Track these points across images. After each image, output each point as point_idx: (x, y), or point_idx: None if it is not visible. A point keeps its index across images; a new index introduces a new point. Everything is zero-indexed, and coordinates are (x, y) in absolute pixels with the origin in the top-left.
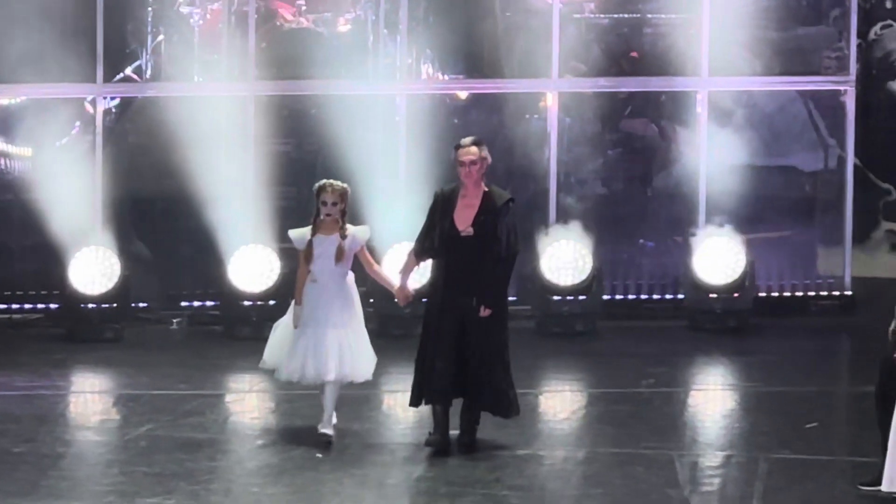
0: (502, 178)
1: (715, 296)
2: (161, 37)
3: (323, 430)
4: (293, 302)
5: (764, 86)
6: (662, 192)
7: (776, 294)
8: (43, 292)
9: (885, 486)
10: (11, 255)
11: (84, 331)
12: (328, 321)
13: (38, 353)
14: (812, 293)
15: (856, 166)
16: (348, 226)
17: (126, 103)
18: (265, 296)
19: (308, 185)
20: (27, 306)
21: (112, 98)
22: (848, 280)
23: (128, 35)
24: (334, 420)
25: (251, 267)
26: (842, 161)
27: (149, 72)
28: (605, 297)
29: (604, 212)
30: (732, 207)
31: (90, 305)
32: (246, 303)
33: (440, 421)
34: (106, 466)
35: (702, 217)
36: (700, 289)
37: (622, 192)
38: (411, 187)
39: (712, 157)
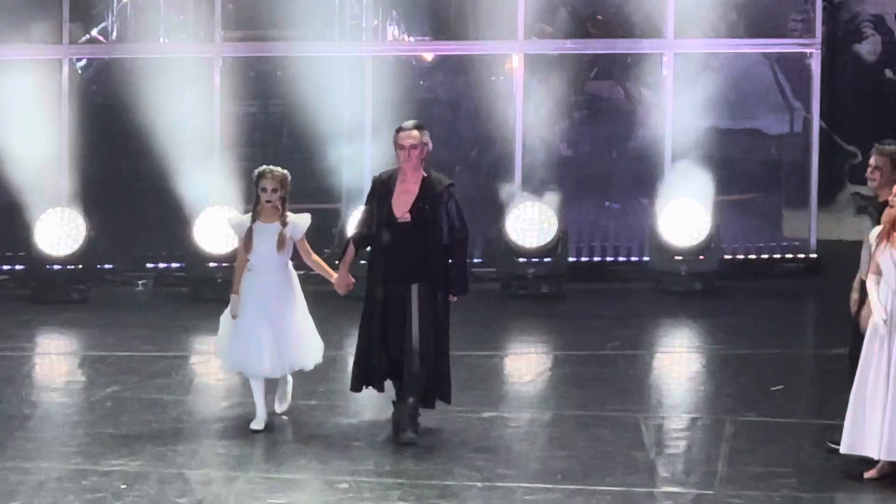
0: (468, 140)
1: (680, 258)
2: None
3: (282, 411)
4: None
5: (730, 48)
6: (628, 154)
7: (742, 256)
8: (8, 254)
9: (843, 448)
10: None
11: (49, 292)
12: (267, 312)
13: (3, 314)
14: (777, 256)
15: (821, 129)
16: (289, 213)
17: (93, 64)
18: (231, 257)
19: (274, 146)
20: None
21: (78, 60)
22: (814, 243)
23: None
24: (288, 400)
25: (217, 228)
26: (807, 124)
27: (115, 33)
28: (571, 259)
29: (569, 174)
30: (698, 169)
31: (56, 267)
32: (211, 264)
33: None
34: (72, 427)
35: (667, 179)
36: (666, 251)
37: (588, 154)
38: (377, 149)
39: (678, 119)
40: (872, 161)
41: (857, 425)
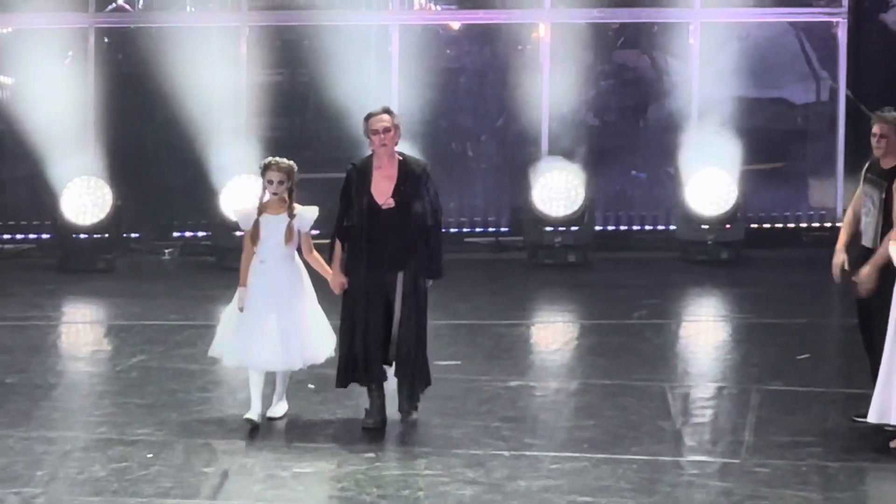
0: (495, 109)
1: (707, 227)
2: None
3: (276, 415)
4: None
5: (756, 17)
6: (654, 124)
7: (768, 226)
8: (35, 223)
9: (871, 418)
10: (3, 185)
11: (76, 261)
12: (276, 305)
13: (30, 283)
14: (804, 225)
15: (847, 98)
16: (296, 205)
17: (120, 33)
18: None
19: (300, 115)
20: (19, 237)
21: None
22: (840, 212)
23: None
24: (285, 407)
25: (243, 197)
26: (834, 93)
27: (141, 2)
28: (597, 228)
29: (596, 143)
30: (725, 139)
31: (82, 236)
32: (238, 233)
33: (377, 402)
34: (98, 397)
35: (693, 149)
36: (692, 220)
37: (614, 123)
38: (403, 118)
39: (704, 88)
40: (876, 129)
41: (886, 394)
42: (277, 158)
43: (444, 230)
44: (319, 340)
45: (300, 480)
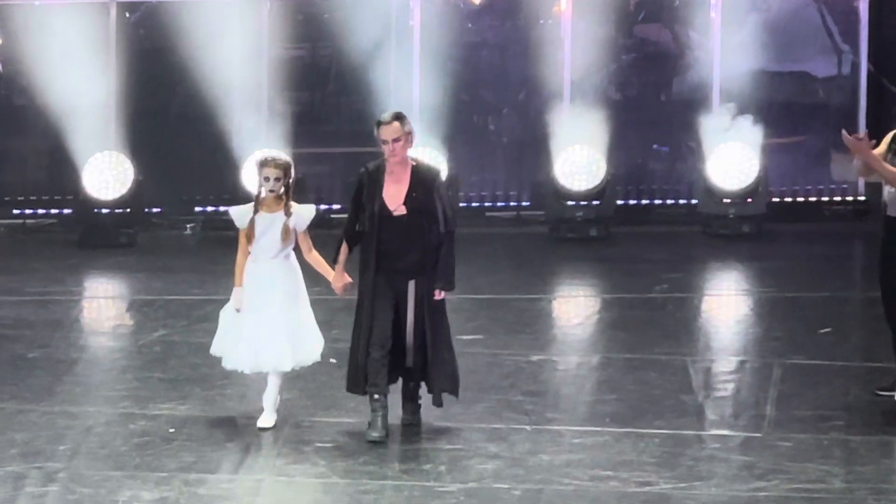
0: (516, 83)
1: (728, 201)
2: None
3: (262, 425)
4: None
5: None
6: (676, 97)
7: (790, 199)
8: (56, 198)
9: None
10: (25, 160)
11: (98, 236)
12: (274, 305)
13: (52, 258)
14: (826, 199)
15: (869, 72)
16: (293, 203)
17: (142, 8)
18: None
19: (322, 89)
20: (40, 212)
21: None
22: (862, 185)
23: None
24: (274, 418)
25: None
26: (855, 67)
27: None
28: (619, 202)
29: (617, 117)
30: (747, 113)
31: (104, 211)
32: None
33: (379, 413)
34: (120, 372)
35: (715, 123)
36: (713, 194)
37: (635, 97)
38: (425, 93)
39: (725, 62)
40: None
41: None
42: (274, 154)
43: (465, 205)
44: (310, 343)
45: (322, 455)
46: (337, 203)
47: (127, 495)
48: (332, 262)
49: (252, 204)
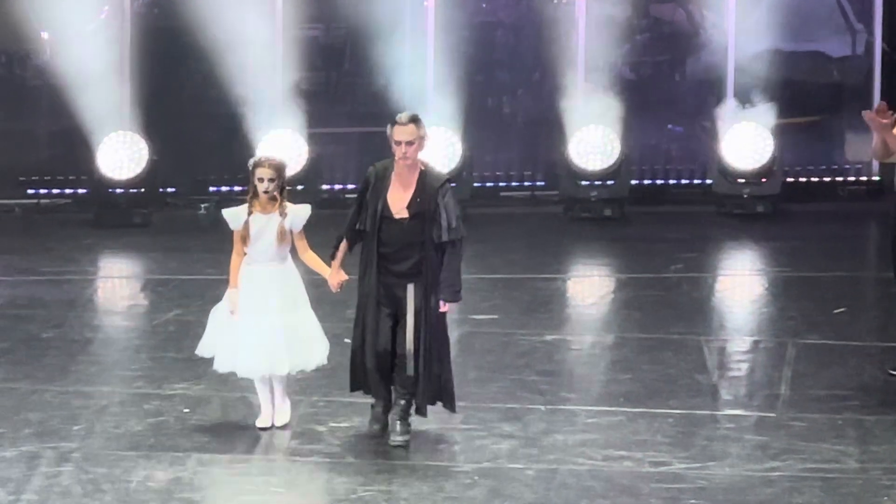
0: (530, 64)
1: (743, 181)
2: None
3: (281, 423)
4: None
5: None
6: (690, 77)
7: (804, 179)
8: (71, 177)
9: None
10: (39, 140)
11: (112, 216)
12: (272, 307)
13: (66, 238)
14: (840, 179)
15: (883, 51)
16: (287, 203)
17: None
18: (293, 180)
19: (336, 70)
20: (55, 191)
21: None
22: (876, 166)
23: None
24: (288, 412)
25: (279, 151)
26: (870, 46)
27: None
28: (633, 182)
29: (632, 97)
30: (761, 93)
31: (118, 190)
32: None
33: (377, 415)
34: (135, 352)
35: (730, 102)
36: (728, 174)
37: (650, 77)
38: (440, 72)
39: (740, 42)
40: None
41: None
42: (268, 155)
43: (479, 185)
44: (311, 346)
45: (336, 435)
46: (351, 183)
47: (141, 475)
48: (330, 257)
49: (246, 205)
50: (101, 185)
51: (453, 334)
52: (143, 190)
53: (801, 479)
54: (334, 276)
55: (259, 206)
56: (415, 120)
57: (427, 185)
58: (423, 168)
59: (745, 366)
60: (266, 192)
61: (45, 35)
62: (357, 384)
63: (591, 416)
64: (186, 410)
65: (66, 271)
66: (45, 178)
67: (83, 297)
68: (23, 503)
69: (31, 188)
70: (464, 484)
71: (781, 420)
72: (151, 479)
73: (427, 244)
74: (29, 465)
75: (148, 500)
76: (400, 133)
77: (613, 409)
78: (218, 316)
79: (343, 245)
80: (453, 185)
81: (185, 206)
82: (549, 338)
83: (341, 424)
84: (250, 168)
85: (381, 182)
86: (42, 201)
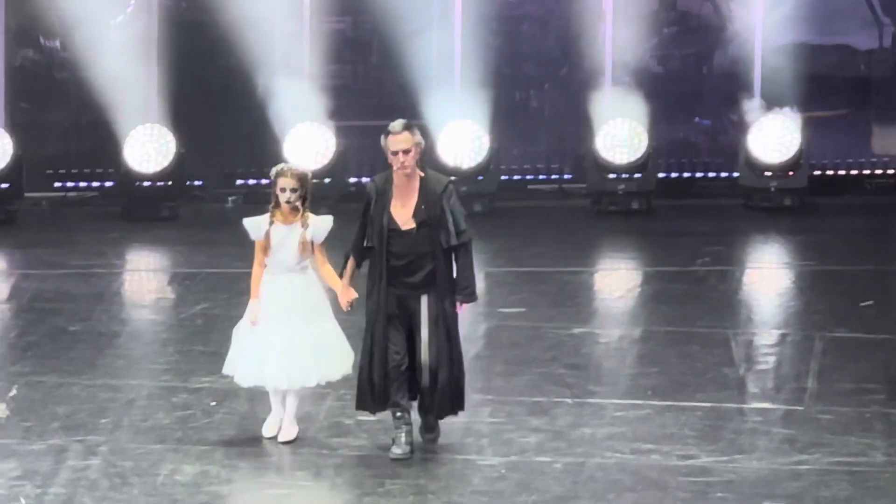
0: (558, 57)
1: (770, 174)
2: None
3: (285, 439)
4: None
5: None
6: (718, 71)
7: (831, 172)
8: (98, 170)
9: None
10: (67, 133)
11: (140, 209)
12: (295, 318)
13: (94, 231)
14: (867, 172)
15: None
16: (310, 214)
17: None
18: (320, 173)
19: (364, 63)
20: (82, 185)
21: None
22: None
23: None
24: (295, 430)
25: (306, 144)
26: None
27: None
28: (661, 175)
29: (659, 90)
30: (787, 86)
31: (146, 184)
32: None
33: (403, 430)
34: (162, 345)
35: (757, 96)
36: (755, 167)
37: (677, 70)
38: (467, 66)
39: (767, 35)
40: None
41: None
42: (291, 165)
43: (507, 178)
44: (336, 356)
45: (363, 428)
46: (379, 172)
47: (168, 468)
48: (339, 276)
49: (267, 215)
50: (128, 178)
51: (481, 327)
52: (170, 183)
53: (829, 473)
54: (344, 294)
55: (281, 217)
56: (408, 127)
57: (430, 191)
58: (422, 175)
59: (772, 359)
60: (288, 202)
61: (72, 28)
62: (363, 403)
63: (618, 410)
64: (214, 403)
65: (94, 264)
66: (73, 171)
67: (110, 291)
68: (50, 496)
69: (58, 181)
70: (491, 477)
71: (809, 413)
72: (179, 473)
73: (438, 251)
74: (56, 459)
75: (175, 494)
76: (395, 143)
77: (641, 402)
78: (239, 333)
79: (351, 263)
80: (454, 179)
81: (213, 199)
82: (576, 331)
83: (369, 418)
84: (272, 177)
85: (383, 196)
86: (69, 194)
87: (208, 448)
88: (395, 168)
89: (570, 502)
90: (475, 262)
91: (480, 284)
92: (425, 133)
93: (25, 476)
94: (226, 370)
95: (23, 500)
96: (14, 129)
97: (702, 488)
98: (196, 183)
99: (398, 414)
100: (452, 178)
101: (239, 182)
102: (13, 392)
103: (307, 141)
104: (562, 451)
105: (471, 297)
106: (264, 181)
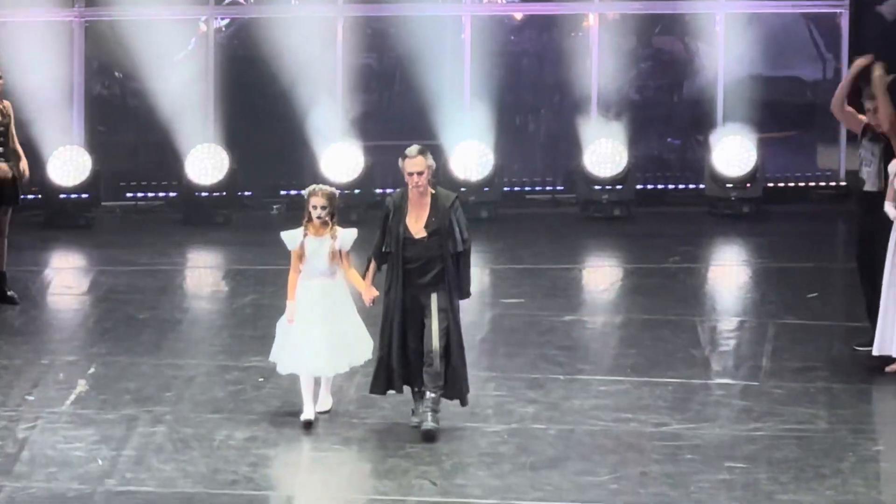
0: (552, 86)
1: (731, 186)
2: None
3: (322, 409)
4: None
5: (772, 8)
6: (686, 98)
7: (782, 184)
8: (163, 183)
9: (875, 350)
10: (137, 151)
11: (198, 216)
12: (321, 317)
13: (159, 234)
14: (812, 184)
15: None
16: (338, 227)
17: (235, 23)
18: (352, 185)
19: (388, 91)
20: (150, 195)
21: (222, 18)
22: (842, 173)
23: None
24: (330, 401)
25: (339, 161)
26: (837, 72)
27: None
28: (638, 186)
29: (637, 115)
30: (745, 111)
31: (203, 194)
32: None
33: (422, 403)
34: (217, 330)
35: (719, 119)
36: (718, 180)
37: (652, 98)
38: (475, 94)
39: (728, 68)
40: (868, 105)
41: (883, 328)
42: (322, 186)
43: (508, 189)
44: (360, 346)
45: (388, 402)
46: (400, 187)
47: (223, 434)
48: (362, 277)
49: (301, 228)
50: (188, 190)
51: (486, 315)
52: (224, 193)
53: (780, 438)
54: (367, 292)
55: (313, 230)
56: (422, 152)
57: (439, 205)
58: (433, 192)
59: (732, 342)
60: (319, 217)
61: (142, 63)
62: (377, 387)
63: (602, 385)
64: (261, 380)
65: (159, 262)
66: (142, 183)
67: (173, 285)
68: (123, 458)
69: (129, 192)
70: (495, 442)
71: (763, 388)
72: (231, 438)
73: (446, 256)
74: (128, 426)
75: (228, 456)
76: (411, 165)
77: (621, 378)
78: (282, 327)
79: (372, 266)
80: (463, 191)
81: (260, 207)
82: (566, 318)
83: (394, 394)
84: (306, 196)
85: (399, 209)
86: (139, 203)
87: (256, 417)
88: (410, 186)
89: (561, 463)
90: (480, 262)
91: (486, 280)
92: (438, 153)
93: (102, 441)
94: (271, 358)
95: (100, 461)
96: (93, 148)
97: (672, 451)
98: (246, 193)
99: (416, 390)
100: (462, 188)
101: (282, 192)
102: (92, 370)
103: (340, 158)
104: (555, 419)
105: (466, 294)
106: (303, 192)
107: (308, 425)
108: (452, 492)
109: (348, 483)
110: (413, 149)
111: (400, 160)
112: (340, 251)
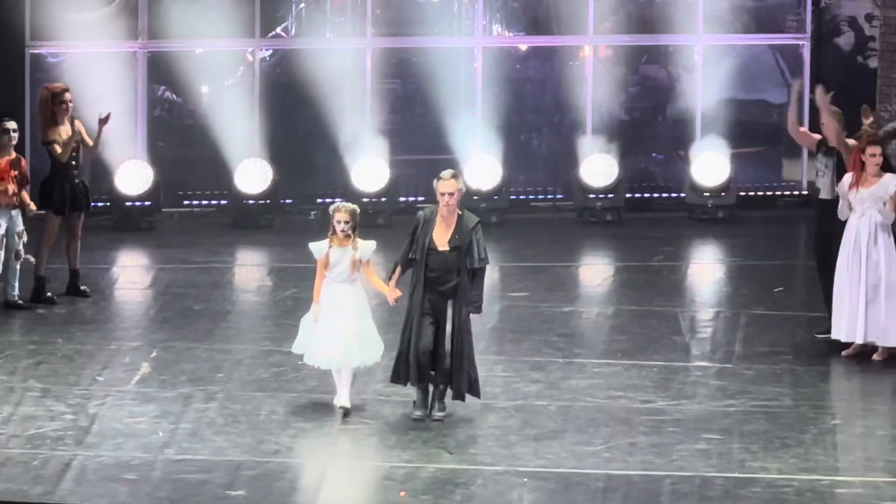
0: (552, 108)
1: (708, 194)
2: (302, 4)
3: (342, 404)
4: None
5: (743, 41)
6: (669, 119)
7: (753, 193)
8: (215, 192)
9: (833, 335)
10: (193, 164)
11: (245, 220)
12: (346, 317)
13: (212, 236)
14: (778, 193)
15: (810, 100)
16: (359, 240)
17: (277, 53)
18: (379, 194)
19: (410, 114)
20: (204, 202)
21: (266, 49)
22: (804, 183)
23: (278, 3)
24: (348, 396)
25: (368, 173)
26: (800, 96)
27: (293, 30)
28: (628, 195)
29: (626, 133)
30: (721, 130)
31: (250, 202)
32: (364, 200)
33: (422, 398)
34: (262, 319)
35: (698, 137)
36: (697, 189)
37: (640, 118)
38: (486, 115)
39: (706, 93)
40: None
41: (838, 316)
42: (345, 203)
43: (514, 198)
44: (372, 347)
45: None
46: (422, 196)
47: (267, 410)
48: (388, 278)
49: (326, 240)
50: (237, 198)
51: (496, 307)
52: (268, 201)
53: (750, 413)
54: (392, 293)
55: (336, 241)
56: (455, 176)
57: (464, 225)
58: (460, 213)
59: (709, 330)
60: (343, 230)
61: (197, 87)
62: (397, 378)
63: (596, 367)
64: (300, 363)
65: (211, 261)
66: (197, 192)
67: (224, 280)
68: (180, 430)
69: (186, 200)
70: (503, 416)
71: (736, 370)
72: (275, 413)
73: (462, 270)
74: (184, 403)
75: (271, 428)
76: (444, 186)
77: (613, 361)
78: (307, 323)
79: (398, 270)
80: (475, 198)
81: (299, 213)
82: (565, 309)
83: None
84: (330, 212)
85: (429, 223)
86: (194, 209)
87: (296, 395)
88: (441, 205)
89: (561, 434)
90: (491, 260)
91: (496, 276)
92: (453, 166)
93: (162, 415)
94: (294, 349)
95: (160, 433)
96: (154, 161)
97: (657, 424)
98: (287, 201)
99: (420, 386)
100: (475, 197)
101: (318, 200)
102: (153, 354)
103: (368, 170)
104: (555, 396)
105: (478, 309)
106: (337, 200)
107: (346, 413)
108: (466, 459)
109: (375, 452)
110: (448, 172)
111: (435, 181)
112: (360, 260)
